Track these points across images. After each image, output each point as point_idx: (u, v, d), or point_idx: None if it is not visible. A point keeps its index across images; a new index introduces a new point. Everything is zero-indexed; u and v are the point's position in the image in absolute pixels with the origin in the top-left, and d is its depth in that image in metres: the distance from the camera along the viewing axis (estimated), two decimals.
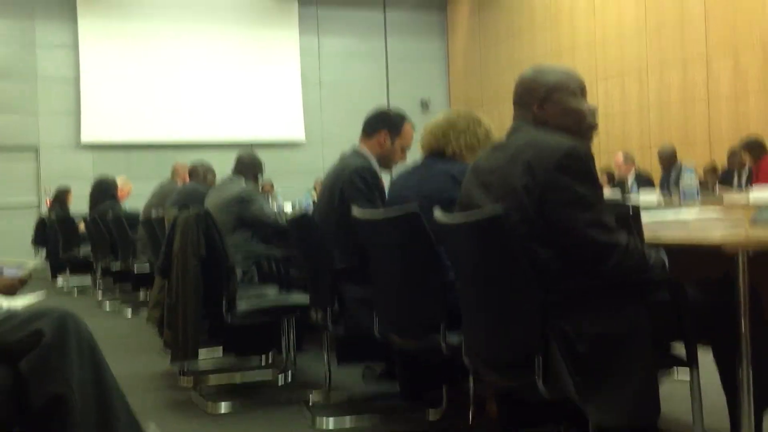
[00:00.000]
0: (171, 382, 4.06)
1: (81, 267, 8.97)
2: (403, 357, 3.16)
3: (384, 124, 3.46)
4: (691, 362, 2.11)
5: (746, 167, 7.88)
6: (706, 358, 2.23)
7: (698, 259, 2.28)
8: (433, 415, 3.18)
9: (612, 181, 9.28)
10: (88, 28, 12.83)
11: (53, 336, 1.77)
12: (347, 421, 3.19)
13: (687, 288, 2.17)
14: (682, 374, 2.18)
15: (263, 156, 5.20)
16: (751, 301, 2.13)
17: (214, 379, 4.06)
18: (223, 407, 3.53)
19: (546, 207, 2.07)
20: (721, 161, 8.76)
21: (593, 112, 2.32)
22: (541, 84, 2.30)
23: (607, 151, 10.25)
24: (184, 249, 3.60)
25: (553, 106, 2.28)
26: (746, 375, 2.12)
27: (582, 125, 2.30)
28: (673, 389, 2.23)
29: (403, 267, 2.74)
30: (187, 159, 7.62)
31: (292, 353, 4.03)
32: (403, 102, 14.11)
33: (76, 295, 8.63)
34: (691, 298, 2.15)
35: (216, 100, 13.38)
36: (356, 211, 2.90)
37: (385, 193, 3.32)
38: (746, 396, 2.13)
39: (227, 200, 4.64)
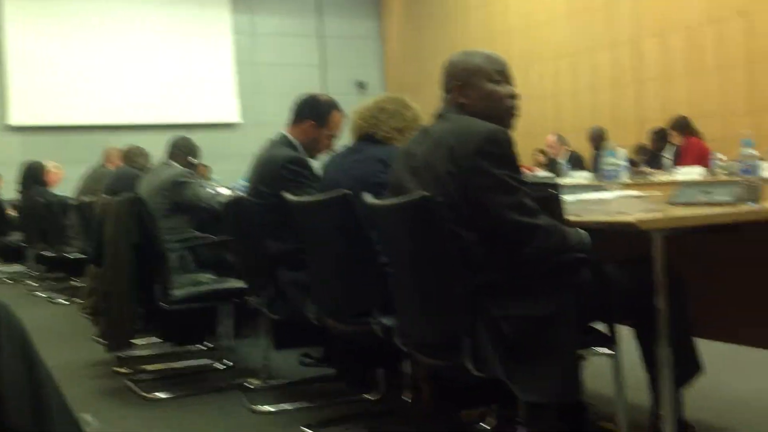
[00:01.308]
0: (106, 371, 4.02)
1: (12, 254, 8.75)
2: (340, 341, 3.19)
3: (310, 114, 3.43)
4: (613, 341, 2.19)
5: (670, 147, 8.11)
6: (628, 333, 2.33)
7: (620, 240, 2.37)
8: (370, 397, 3.24)
9: (546, 161, 9.46)
10: (15, 7, 12.44)
11: None
12: (285, 406, 3.22)
13: (608, 268, 2.25)
14: (606, 350, 2.25)
15: (198, 138, 5.13)
16: (669, 280, 2.22)
17: (151, 367, 4.04)
18: (161, 394, 3.52)
19: (469, 192, 2.12)
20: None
21: (512, 96, 2.36)
22: (461, 69, 2.35)
23: (542, 132, 10.41)
24: (116, 236, 3.57)
25: (472, 91, 2.33)
26: (665, 352, 2.21)
27: (500, 110, 2.34)
28: (599, 365, 2.32)
29: (336, 251, 2.77)
30: (120, 142, 7.50)
31: (230, 340, 4.04)
32: (339, 83, 14.11)
33: (7, 283, 8.43)
34: (613, 278, 2.23)
35: (147, 81, 13.13)
36: (289, 196, 2.92)
37: (318, 177, 3.33)
38: (666, 373, 2.23)
39: (161, 185, 4.58)
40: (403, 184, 2.30)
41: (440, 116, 2.35)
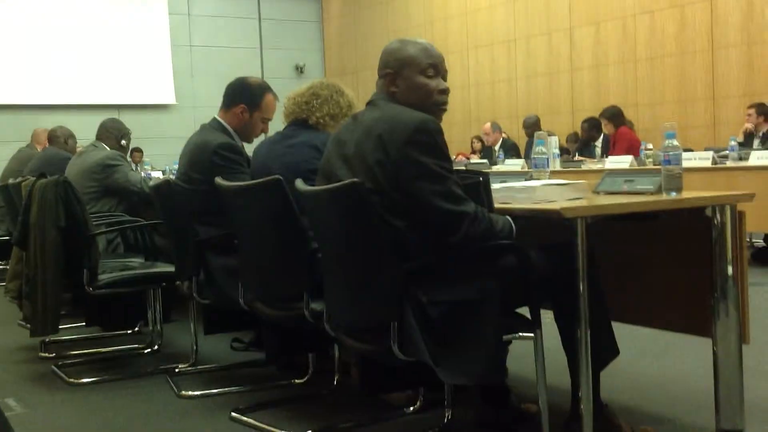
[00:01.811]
0: (32, 356, 3.94)
1: None
2: (269, 325, 3.19)
3: (242, 98, 3.40)
4: (535, 325, 2.24)
5: (602, 136, 8.28)
6: (551, 318, 2.38)
7: (545, 226, 2.42)
8: (299, 381, 3.25)
9: (482, 148, 9.56)
10: None
11: None
12: (213, 390, 3.20)
13: (532, 253, 2.30)
14: (529, 334, 2.30)
15: (131, 119, 5.07)
16: (590, 267, 2.28)
17: (77, 352, 3.97)
18: (87, 379, 3.47)
19: (398, 180, 2.15)
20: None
21: (442, 92, 2.38)
22: (394, 58, 2.37)
23: (477, 119, 10.52)
24: (42, 218, 3.49)
25: (403, 82, 2.35)
26: (584, 336, 2.27)
27: (428, 103, 2.34)
28: (523, 348, 2.37)
29: (267, 236, 2.77)
30: (49, 122, 7.30)
31: (158, 325, 3.99)
32: (277, 67, 14.01)
33: None
34: (536, 263, 2.28)
35: (79, 60, 12.82)
36: (221, 182, 2.90)
37: (249, 163, 3.31)
38: (584, 356, 2.29)
39: (90, 167, 4.50)
40: (334, 171, 2.31)
41: (371, 103, 2.36)
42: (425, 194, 2.13)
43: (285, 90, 3.31)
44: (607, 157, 7.16)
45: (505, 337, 2.23)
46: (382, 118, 2.23)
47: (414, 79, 2.34)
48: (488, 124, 9.42)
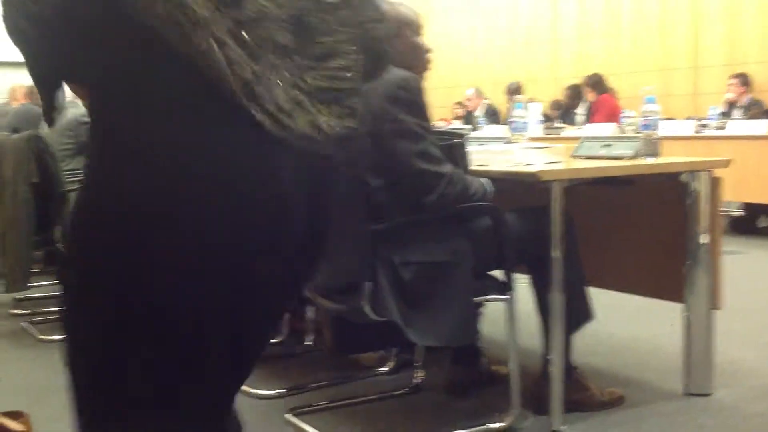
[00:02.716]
0: (3, 313, 3.91)
1: None
2: None
3: None
4: (508, 287, 2.24)
5: (584, 103, 8.27)
6: (523, 282, 2.39)
7: (522, 190, 2.41)
8: (272, 341, 3.24)
9: (464, 115, 9.52)
10: None
11: None
12: None
13: (508, 216, 2.29)
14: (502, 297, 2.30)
15: None
16: (566, 230, 2.28)
17: (50, 309, 3.94)
18: (58, 335, 3.44)
19: (377, 137, 2.12)
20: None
21: (429, 51, 2.39)
22: (393, 18, 2.34)
23: (459, 85, 10.46)
24: (15, 174, 3.44)
25: (401, 42, 2.32)
26: (558, 299, 2.28)
27: (421, 62, 2.37)
28: (497, 311, 2.38)
29: None
30: (26, 80, 7.18)
31: None
32: None
33: None
34: (511, 226, 2.27)
35: None
36: None
37: None
38: (558, 319, 2.29)
39: (66, 124, 4.42)
40: None
41: None
42: (401, 152, 2.11)
43: None
44: (588, 124, 7.16)
45: (477, 299, 2.24)
46: None
47: (411, 39, 2.34)
48: (470, 90, 9.38)
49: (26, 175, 3.43)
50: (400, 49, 2.32)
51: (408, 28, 2.34)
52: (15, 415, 1.65)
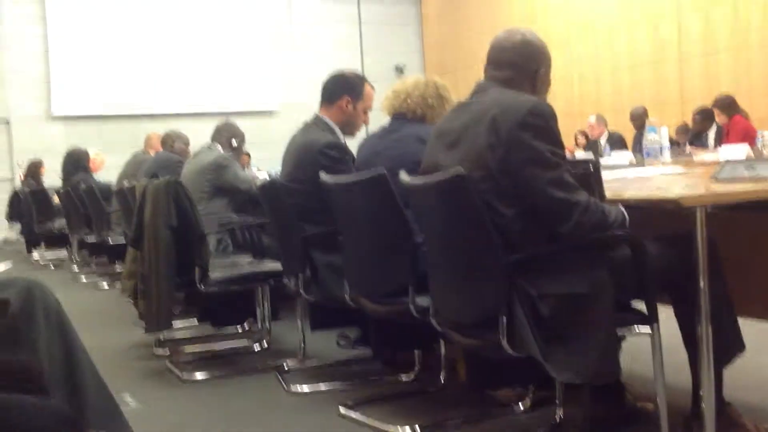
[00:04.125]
0: (146, 353, 4.07)
1: (56, 240, 8.92)
2: (375, 321, 3.19)
3: (344, 89, 3.42)
4: (652, 319, 2.14)
5: (714, 126, 7.94)
6: (668, 313, 2.28)
7: (660, 216, 2.32)
8: (405, 377, 3.23)
9: (586, 143, 9.33)
10: None
11: (20, 305, 1.76)
12: (321, 386, 3.22)
13: (647, 244, 2.20)
14: (645, 329, 2.20)
15: (238, 126, 5.17)
16: (710, 257, 2.17)
17: (189, 349, 4.08)
18: (199, 375, 3.55)
19: (509, 165, 2.09)
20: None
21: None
22: (537, 56, 2.34)
23: (580, 113, 10.28)
24: (155, 218, 3.60)
25: (539, 80, 2.34)
26: (705, 331, 2.16)
27: (545, 94, 2.38)
28: (639, 344, 2.28)
29: (371, 231, 2.76)
30: (160, 130, 7.56)
31: (267, 322, 4.06)
32: (377, 68, 14.07)
33: (52, 268, 8.59)
34: (652, 255, 2.18)
35: (188, 71, 13.25)
36: (324, 177, 2.91)
37: (354, 160, 3.31)
38: (706, 352, 2.18)
39: (203, 167, 4.63)
40: (438, 162, 2.27)
41: (481, 90, 2.30)
42: (536, 181, 2.06)
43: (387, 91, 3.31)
44: (720, 147, 6.85)
45: (619, 331, 2.15)
46: (496, 101, 2.18)
47: (547, 76, 2.35)
48: (593, 117, 9.19)
49: (166, 219, 3.58)
50: (535, 83, 2.32)
51: (546, 65, 2.36)
52: None
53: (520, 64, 2.31)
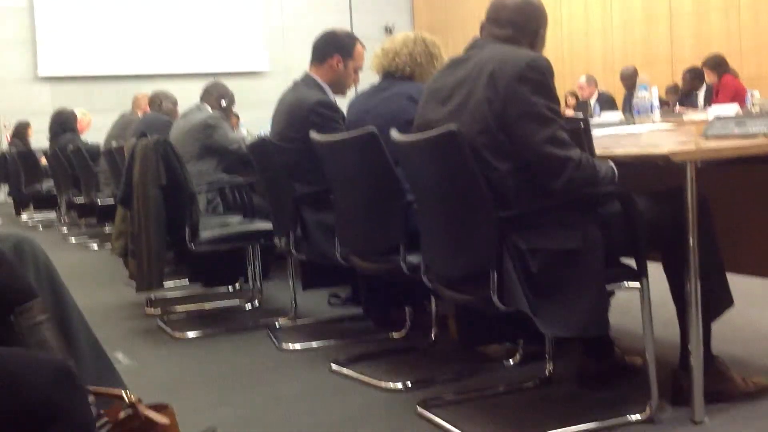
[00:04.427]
0: (137, 313, 4.08)
1: (45, 202, 8.88)
2: (366, 279, 3.20)
3: (335, 48, 3.38)
4: (642, 274, 2.16)
5: (704, 86, 7.92)
6: (657, 269, 2.29)
7: (650, 172, 2.32)
8: (396, 335, 3.25)
9: (576, 103, 9.30)
10: None
11: (10, 260, 1.75)
12: (313, 344, 3.24)
13: (638, 200, 2.20)
14: (634, 284, 2.22)
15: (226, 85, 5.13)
16: (700, 213, 2.18)
17: (180, 308, 4.09)
18: (190, 333, 3.57)
19: (505, 119, 2.08)
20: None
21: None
22: (538, 16, 2.33)
23: (571, 73, 10.24)
24: (144, 178, 3.58)
25: (537, 40, 2.33)
26: (694, 286, 2.18)
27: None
28: (628, 299, 2.30)
29: (362, 189, 2.76)
30: (148, 90, 7.48)
31: (258, 281, 4.07)
32: (366, 28, 13.93)
33: (41, 229, 8.57)
34: (642, 210, 2.19)
35: (176, 31, 13.09)
36: (316, 136, 2.90)
37: (345, 119, 3.29)
38: (695, 307, 2.20)
39: (192, 127, 4.60)
40: (432, 118, 2.26)
41: (479, 46, 2.27)
42: (531, 136, 2.06)
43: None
44: (710, 107, 6.85)
45: (608, 287, 2.16)
46: (494, 56, 2.16)
47: (544, 37, 2.34)
48: (583, 78, 9.15)
49: (155, 178, 3.56)
50: (534, 44, 2.31)
51: (544, 27, 2.36)
52: (160, 408, 1.70)
53: (521, 23, 2.30)
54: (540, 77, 2.09)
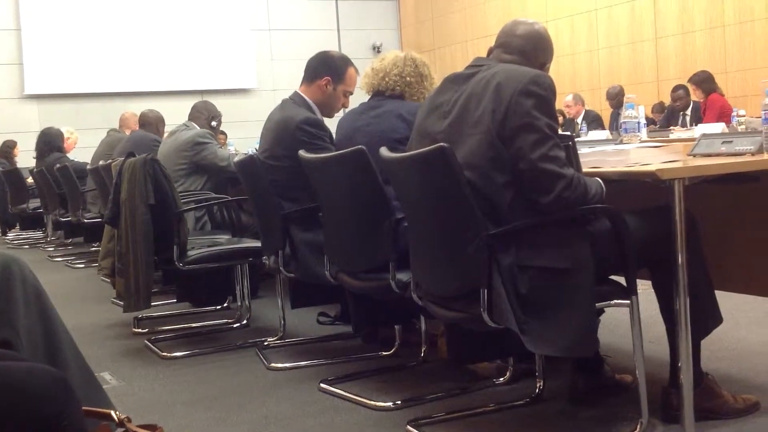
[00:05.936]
0: (125, 332, 4.05)
1: (32, 221, 8.83)
2: (355, 297, 3.19)
3: (327, 70, 3.39)
4: (631, 291, 2.16)
5: (690, 105, 7.98)
6: (647, 285, 2.30)
7: (639, 190, 2.33)
8: (386, 353, 3.24)
9: (563, 121, 9.35)
10: None
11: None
12: (302, 362, 3.23)
13: (627, 217, 2.21)
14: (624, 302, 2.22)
15: (214, 104, 5.15)
16: (688, 230, 2.19)
17: (169, 327, 4.06)
18: (179, 353, 3.54)
19: (505, 130, 2.10)
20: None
21: None
22: (546, 49, 2.40)
23: (558, 92, 10.30)
24: (131, 196, 3.56)
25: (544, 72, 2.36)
26: (683, 303, 2.18)
27: None
28: (617, 317, 2.30)
29: (351, 207, 2.76)
30: (136, 109, 7.47)
31: (247, 300, 4.04)
32: (354, 47, 14.00)
33: (27, 248, 8.51)
34: (631, 228, 2.19)
35: (163, 48, 13.09)
36: (304, 154, 2.90)
37: (333, 138, 3.29)
38: (684, 324, 2.20)
39: (180, 145, 4.60)
40: (433, 130, 2.27)
41: (486, 66, 2.28)
42: (527, 149, 2.07)
43: (362, 70, 3.29)
44: (696, 125, 6.91)
45: (598, 305, 2.16)
46: (501, 71, 2.20)
47: (548, 70, 2.38)
48: (570, 96, 9.21)
49: (143, 197, 3.55)
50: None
51: (550, 61, 2.44)
52: (150, 429, 1.69)
53: (529, 54, 2.34)
54: (544, 93, 2.12)
